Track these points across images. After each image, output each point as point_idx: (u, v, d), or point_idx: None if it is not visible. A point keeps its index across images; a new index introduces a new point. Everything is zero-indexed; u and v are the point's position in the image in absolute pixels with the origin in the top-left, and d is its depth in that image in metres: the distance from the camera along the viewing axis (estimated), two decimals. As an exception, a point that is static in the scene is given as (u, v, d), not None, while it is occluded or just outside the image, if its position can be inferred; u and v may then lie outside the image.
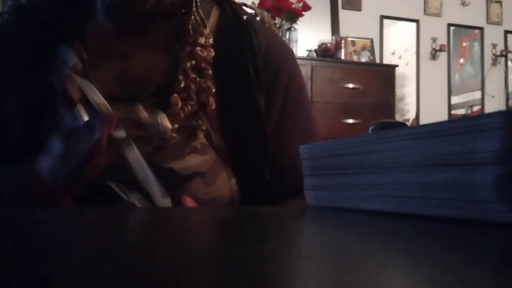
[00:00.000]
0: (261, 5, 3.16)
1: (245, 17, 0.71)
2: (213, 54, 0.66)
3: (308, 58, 3.31)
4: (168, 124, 0.57)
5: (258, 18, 0.78)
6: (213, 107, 0.65)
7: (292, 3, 3.26)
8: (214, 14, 0.72)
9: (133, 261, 0.19)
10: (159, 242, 0.25)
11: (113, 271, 0.17)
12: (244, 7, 0.77)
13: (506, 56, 4.32)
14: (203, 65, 0.66)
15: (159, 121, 0.56)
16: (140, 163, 0.55)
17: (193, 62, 0.65)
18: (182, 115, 0.63)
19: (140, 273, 0.16)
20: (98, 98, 0.53)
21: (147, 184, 0.55)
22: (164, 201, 0.55)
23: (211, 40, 0.67)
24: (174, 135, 0.62)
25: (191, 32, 0.67)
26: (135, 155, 0.54)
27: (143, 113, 0.56)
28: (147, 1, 0.64)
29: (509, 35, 4.36)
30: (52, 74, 0.56)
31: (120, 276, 0.16)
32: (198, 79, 0.65)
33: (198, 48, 0.66)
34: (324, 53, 3.42)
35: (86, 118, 0.52)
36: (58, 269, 0.17)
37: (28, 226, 0.32)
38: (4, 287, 0.14)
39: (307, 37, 3.51)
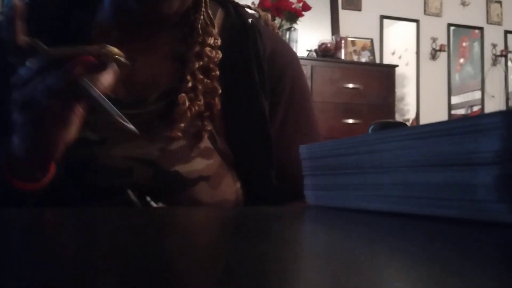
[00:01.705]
0: (261, 5, 3.15)
1: (250, 20, 0.71)
2: (220, 55, 0.66)
3: (308, 58, 3.31)
4: (114, 48, 0.53)
5: (261, 20, 0.78)
6: (219, 107, 0.65)
7: (292, 3, 3.26)
8: (219, 16, 0.72)
9: (135, 261, 0.19)
10: (160, 241, 0.25)
11: (115, 270, 0.17)
12: (247, 9, 0.77)
13: (506, 56, 4.32)
14: (211, 66, 0.66)
15: (107, 49, 0.52)
16: (101, 97, 0.51)
17: (201, 62, 0.65)
18: (189, 115, 0.63)
19: (142, 272, 0.16)
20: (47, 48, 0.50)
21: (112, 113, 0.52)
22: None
23: (219, 42, 0.67)
24: (179, 134, 0.62)
25: (200, 32, 0.67)
26: (95, 92, 0.50)
27: (90, 47, 0.52)
28: (173, 6, 0.64)
29: (509, 35, 4.36)
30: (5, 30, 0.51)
31: (122, 275, 0.16)
32: (205, 80, 0.65)
33: (207, 49, 0.66)
34: (324, 53, 3.42)
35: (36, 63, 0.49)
36: (59, 269, 0.17)
37: (29, 225, 0.32)
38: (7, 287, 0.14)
39: (307, 37, 3.51)
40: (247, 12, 0.75)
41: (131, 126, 0.51)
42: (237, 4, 0.75)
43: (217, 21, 0.71)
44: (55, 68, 0.49)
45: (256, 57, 0.68)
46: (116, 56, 0.53)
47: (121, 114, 0.51)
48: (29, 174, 0.54)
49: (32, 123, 0.51)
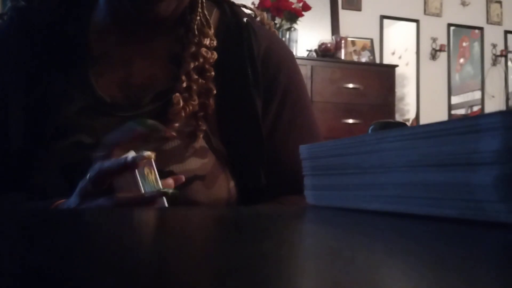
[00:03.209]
0: (261, 5, 3.15)
1: (245, 19, 0.71)
2: (216, 56, 0.67)
3: (308, 58, 3.31)
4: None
5: (258, 19, 0.78)
6: (213, 107, 0.65)
7: (292, 3, 3.26)
8: (215, 16, 0.72)
9: (133, 260, 0.19)
10: (159, 241, 0.25)
11: (114, 270, 0.17)
12: (244, 8, 0.77)
13: (506, 56, 4.31)
14: (206, 66, 0.66)
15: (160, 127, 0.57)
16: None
17: (196, 63, 0.66)
18: (183, 114, 0.63)
19: (141, 272, 0.16)
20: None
21: None
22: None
23: (215, 43, 0.67)
24: (174, 133, 0.63)
25: (196, 32, 0.67)
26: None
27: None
28: (169, 6, 0.64)
29: (509, 35, 4.36)
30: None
31: (120, 275, 0.16)
32: (200, 80, 0.65)
33: (203, 49, 0.66)
34: (324, 53, 3.42)
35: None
36: (59, 269, 0.17)
37: (29, 225, 0.32)
38: (7, 287, 0.14)
39: (307, 37, 3.51)
40: (242, 11, 0.75)
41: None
42: (233, 3, 0.75)
43: (213, 20, 0.71)
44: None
45: (250, 56, 0.68)
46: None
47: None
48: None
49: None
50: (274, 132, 0.69)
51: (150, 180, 0.54)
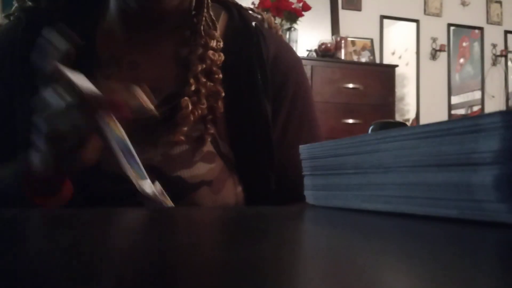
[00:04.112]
0: (261, 5, 3.16)
1: (254, 23, 0.71)
2: (223, 58, 0.66)
3: (308, 58, 3.31)
4: (141, 92, 0.54)
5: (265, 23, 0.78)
6: (222, 110, 0.65)
7: (292, 3, 3.26)
8: (223, 19, 0.72)
9: (135, 260, 0.19)
10: (160, 242, 0.25)
11: (115, 270, 0.17)
12: (251, 12, 0.77)
13: (506, 56, 4.32)
14: (214, 69, 0.66)
15: (138, 98, 0.53)
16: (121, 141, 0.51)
17: (204, 65, 0.65)
18: (192, 118, 0.63)
19: (142, 272, 0.16)
20: (90, 85, 0.51)
21: (124, 168, 0.51)
22: (144, 184, 0.52)
23: (221, 44, 0.67)
24: (182, 138, 0.62)
25: (203, 34, 0.67)
26: (113, 133, 0.51)
27: (118, 87, 0.53)
28: (173, 0, 0.63)
29: (509, 35, 4.36)
30: (35, 55, 0.54)
31: (121, 275, 0.16)
32: (208, 83, 0.65)
33: (210, 52, 0.66)
34: (324, 53, 3.42)
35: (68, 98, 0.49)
36: (59, 269, 0.17)
37: (29, 225, 0.32)
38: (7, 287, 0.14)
39: (307, 37, 3.51)
40: (250, 15, 0.74)
41: (146, 191, 0.52)
42: (241, 7, 0.75)
43: (221, 24, 0.70)
44: (82, 104, 0.49)
45: (259, 61, 0.68)
46: (143, 104, 0.53)
47: (137, 173, 0.52)
48: (43, 189, 0.54)
49: (53, 154, 0.51)
50: (282, 140, 0.69)
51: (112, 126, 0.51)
